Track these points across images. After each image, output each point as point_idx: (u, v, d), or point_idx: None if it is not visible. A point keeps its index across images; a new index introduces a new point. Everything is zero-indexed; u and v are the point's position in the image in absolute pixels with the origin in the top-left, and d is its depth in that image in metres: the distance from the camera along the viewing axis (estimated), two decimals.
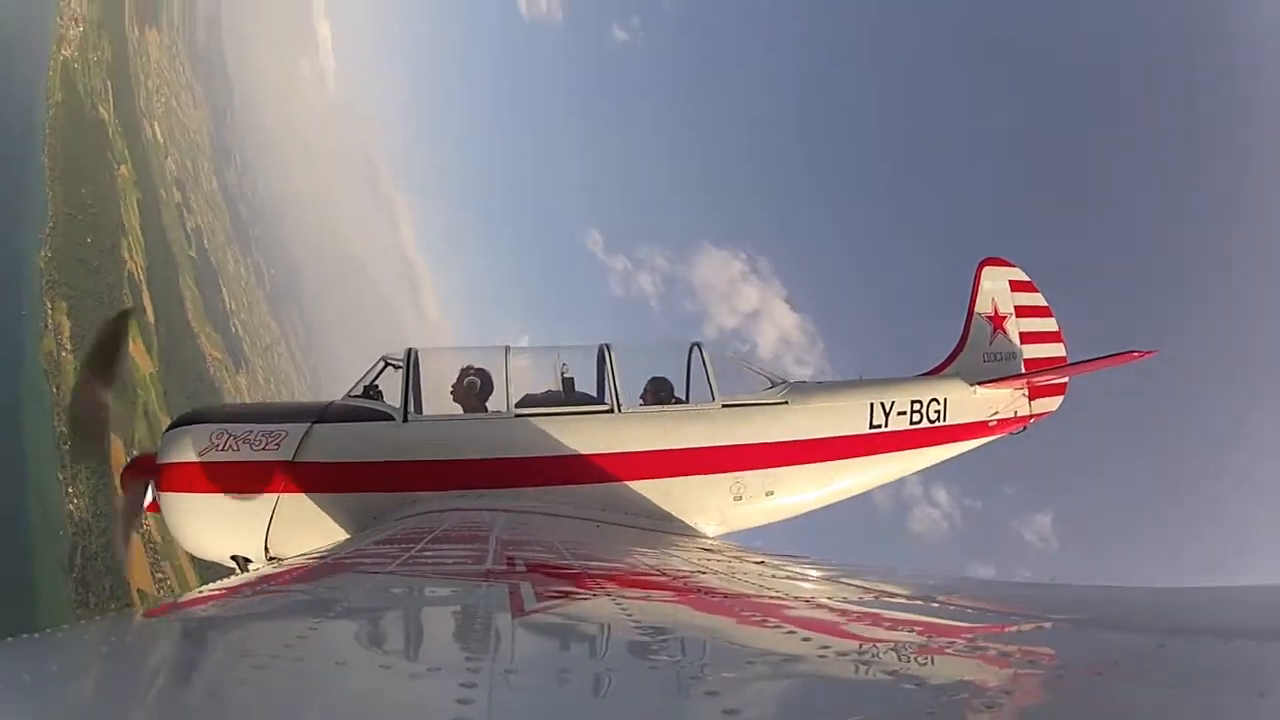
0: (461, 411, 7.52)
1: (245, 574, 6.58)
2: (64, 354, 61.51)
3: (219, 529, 6.89)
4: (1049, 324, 10.30)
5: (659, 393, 7.99)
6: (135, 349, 64.97)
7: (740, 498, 7.73)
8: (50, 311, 63.63)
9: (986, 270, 10.24)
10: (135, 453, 7.68)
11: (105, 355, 7.02)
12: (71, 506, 54.54)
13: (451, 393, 7.62)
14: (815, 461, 8.09)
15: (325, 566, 3.48)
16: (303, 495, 6.90)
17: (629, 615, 2.23)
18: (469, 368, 7.66)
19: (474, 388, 7.56)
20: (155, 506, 7.04)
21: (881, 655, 1.77)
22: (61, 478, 55.44)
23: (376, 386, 7.58)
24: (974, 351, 9.84)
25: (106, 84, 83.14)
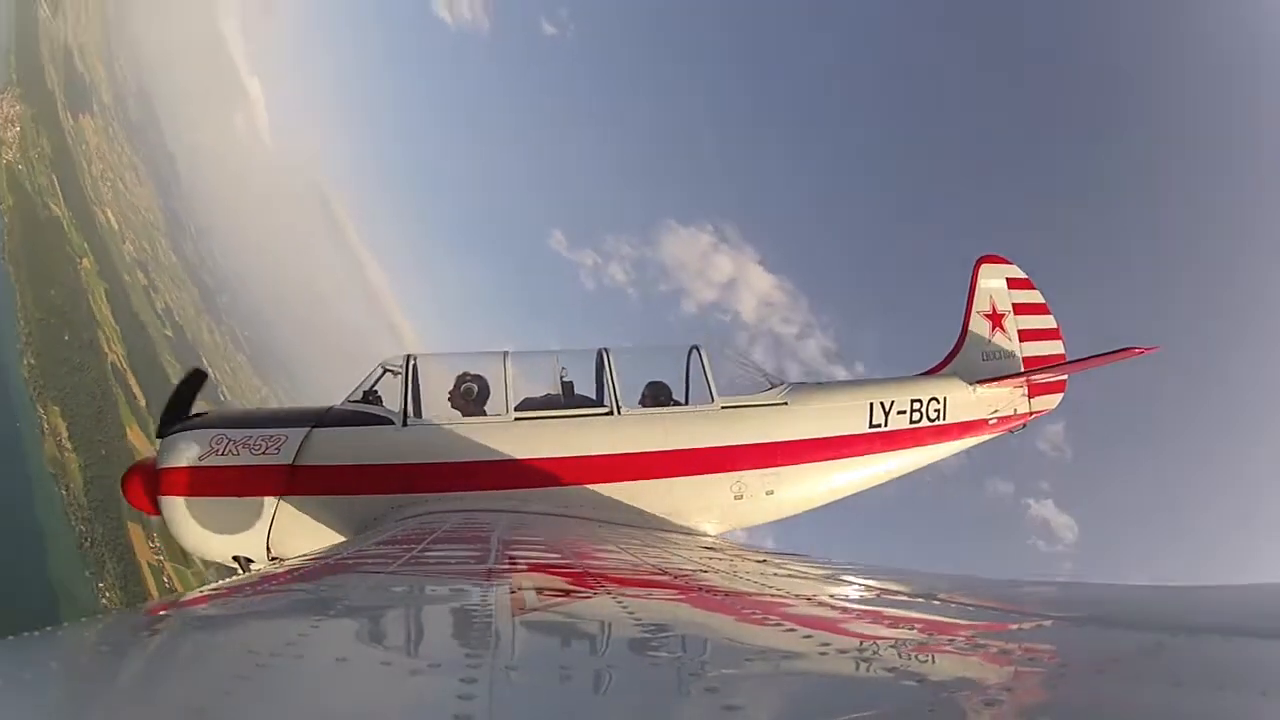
0: (459, 417, 7.53)
1: (247, 574, 6.59)
2: (66, 455, 62.63)
3: (220, 532, 6.90)
4: (1047, 321, 10.31)
5: (657, 397, 8.01)
6: (133, 434, 66.33)
7: (741, 497, 7.75)
8: (44, 417, 64.67)
9: (984, 268, 10.24)
10: (136, 459, 7.70)
11: (175, 413, 7.26)
12: (104, 600, 55.96)
13: (449, 399, 7.63)
14: (815, 461, 8.10)
15: (327, 566, 3.48)
16: (303, 499, 6.91)
17: (630, 613, 2.24)
18: (465, 374, 7.67)
19: (471, 394, 7.58)
20: (156, 510, 7.05)
21: (882, 653, 1.77)
22: (88, 574, 57.28)
23: (376, 392, 7.59)
24: (973, 350, 9.85)
25: (52, 179, 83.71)
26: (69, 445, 63.30)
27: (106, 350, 75.03)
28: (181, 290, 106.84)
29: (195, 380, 7.74)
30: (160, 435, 7.22)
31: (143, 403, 72.14)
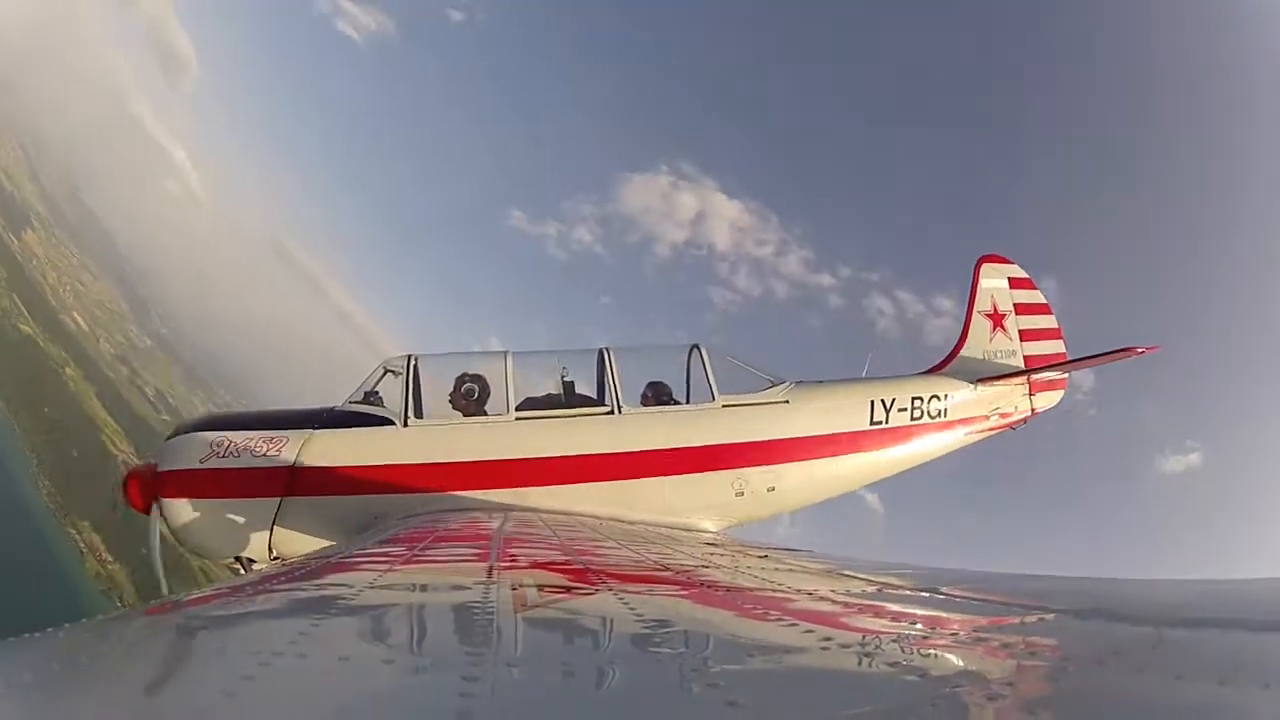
0: (460, 418, 7.54)
1: (249, 574, 6.59)
2: (110, 567, 62.22)
3: (222, 534, 6.90)
4: (1048, 320, 10.31)
5: (658, 396, 8.02)
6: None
7: (742, 494, 7.76)
8: (78, 536, 64.21)
9: (985, 268, 10.25)
10: (137, 462, 7.69)
11: None
12: None
13: (449, 400, 7.63)
14: (816, 458, 8.12)
15: (328, 565, 3.48)
16: (305, 500, 6.92)
17: (631, 609, 2.24)
18: (466, 374, 7.67)
19: (471, 394, 7.58)
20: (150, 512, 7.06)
21: (884, 647, 1.77)
22: None
23: (377, 392, 7.60)
24: (974, 348, 9.86)
25: (14, 299, 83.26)
26: (109, 557, 62.89)
27: (114, 450, 74.29)
28: (165, 369, 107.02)
29: None
30: None
31: None
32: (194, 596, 2.45)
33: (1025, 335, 10.09)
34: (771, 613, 2.25)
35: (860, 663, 1.71)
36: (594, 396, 7.92)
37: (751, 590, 2.86)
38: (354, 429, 7.22)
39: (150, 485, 7.02)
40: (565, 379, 7.99)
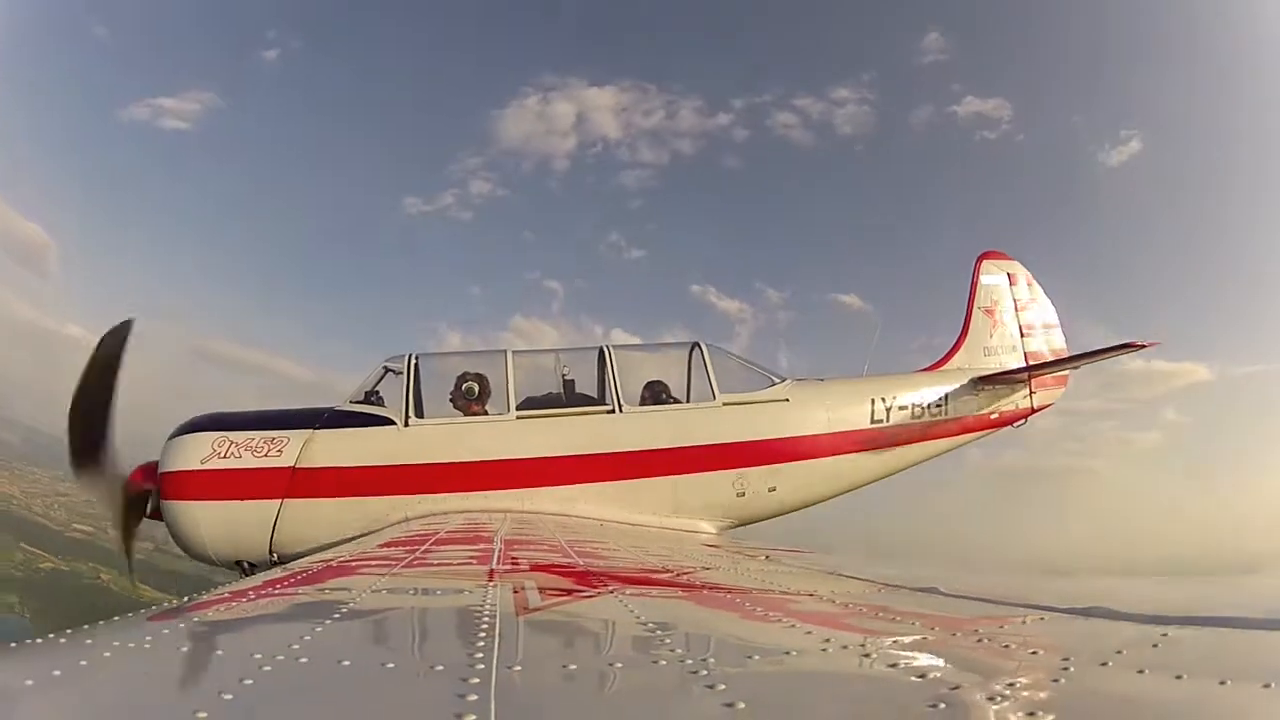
0: (461, 417, 7.53)
1: (250, 577, 6.58)
2: None
3: (223, 535, 6.90)
4: (1049, 316, 10.30)
5: (658, 395, 8.01)
6: None
7: (743, 494, 7.75)
8: None
9: (985, 264, 10.24)
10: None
11: (104, 367, 6.44)
12: None
13: (450, 399, 7.63)
14: (817, 457, 8.11)
15: (330, 569, 3.49)
16: (306, 500, 6.91)
17: (632, 611, 2.24)
18: (467, 373, 7.67)
19: (472, 393, 7.58)
20: (158, 514, 7.05)
21: (885, 648, 1.77)
22: None
23: (377, 392, 7.59)
24: (974, 345, 9.85)
25: None
26: None
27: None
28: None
29: (123, 330, 6.61)
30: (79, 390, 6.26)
31: None
32: (197, 601, 2.46)
33: (1026, 331, 10.09)
34: (772, 614, 2.25)
35: (860, 664, 1.71)
36: (595, 395, 7.91)
37: (752, 591, 2.86)
38: (355, 429, 7.22)
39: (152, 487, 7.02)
40: (566, 378, 7.99)
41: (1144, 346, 8.72)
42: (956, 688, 1.46)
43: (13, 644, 1.72)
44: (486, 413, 7.53)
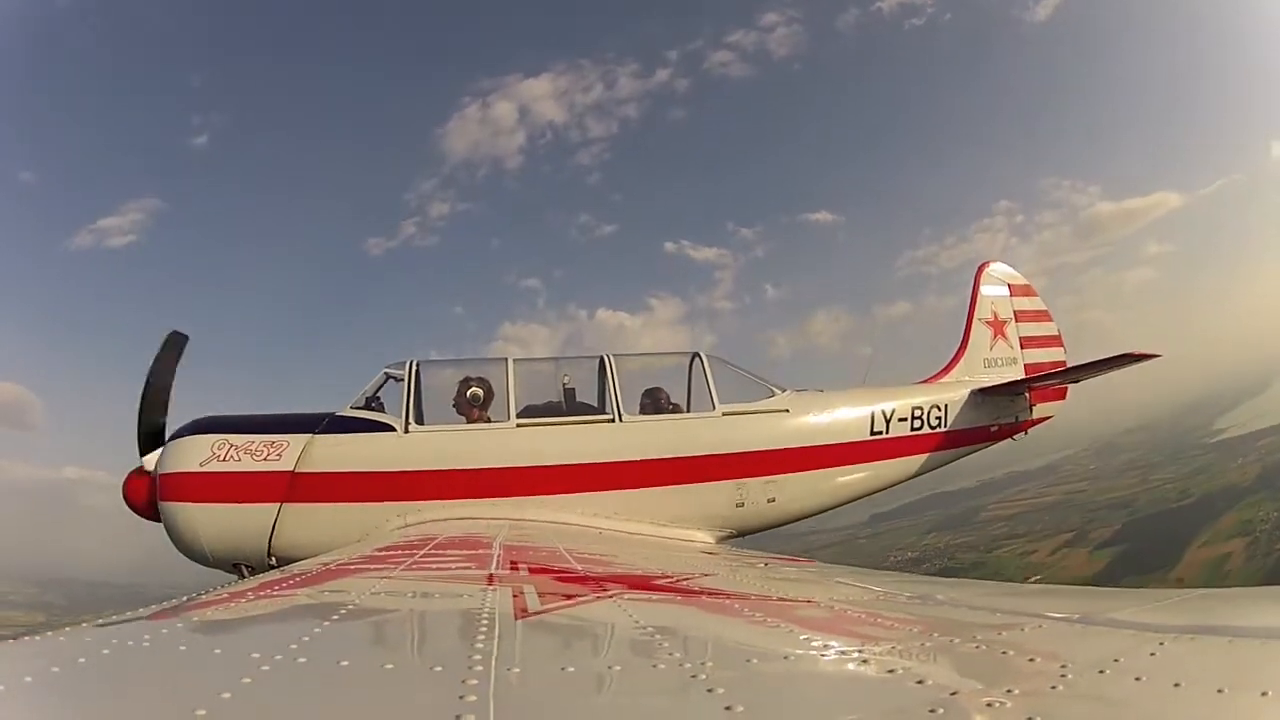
0: (463, 423, 7.53)
1: (249, 579, 6.56)
2: None
3: (220, 538, 6.88)
4: (1049, 328, 10.31)
5: (658, 404, 8.00)
6: None
7: (743, 504, 7.73)
8: None
9: (986, 275, 10.26)
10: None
11: (163, 371, 7.40)
12: None
13: (453, 404, 7.61)
14: (816, 468, 8.09)
15: (329, 571, 3.48)
16: (304, 505, 6.90)
17: (631, 616, 2.24)
18: (469, 378, 7.66)
19: (477, 399, 7.55)
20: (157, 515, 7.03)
21: (883, 654, 1.78)
22: None
23: (378, 398, 7.58)
24: (975, 356, 9.86)
25: None
26: None
27: None
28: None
29: (177, 342, 7.49)
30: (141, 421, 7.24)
31: None
32: (196, 601, 2.46)
33: (1026, 343, 10.10)
34: (771, 619, 2.25)
35: (859, 670, 1.72)
36: (595, 404, 7.91)
37: (751, 597, 2.86)
38: (355, 434, 7.21)
39: (151, 487, 7.01)
40: (566, 386, 7.98)
41: (1144, 357, 8.72)
42: (954, 694, 1.46)
43: (11, 640, 1.72)
44: (489, 419, 7.52)
